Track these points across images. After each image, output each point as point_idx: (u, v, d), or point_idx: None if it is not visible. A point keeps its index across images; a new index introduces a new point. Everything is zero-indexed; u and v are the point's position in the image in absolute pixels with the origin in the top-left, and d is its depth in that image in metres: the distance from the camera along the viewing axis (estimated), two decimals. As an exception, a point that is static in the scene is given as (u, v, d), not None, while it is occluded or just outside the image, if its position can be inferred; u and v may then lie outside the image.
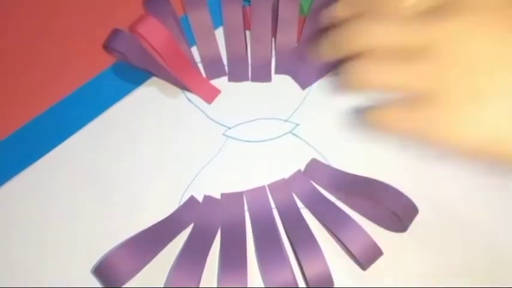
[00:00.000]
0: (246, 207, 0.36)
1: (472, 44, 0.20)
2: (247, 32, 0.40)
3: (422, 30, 0.21)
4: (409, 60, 0.21)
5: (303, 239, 0.33)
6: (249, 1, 0.39)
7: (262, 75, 0.39)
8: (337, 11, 0.24)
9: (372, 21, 0.22)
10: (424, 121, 0.22)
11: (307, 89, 0.39)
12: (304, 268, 0.31)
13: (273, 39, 0.39)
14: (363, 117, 0.24)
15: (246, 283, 0.32)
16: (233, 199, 0.36)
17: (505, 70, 0.20)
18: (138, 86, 0.39)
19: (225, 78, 0.39)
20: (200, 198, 0.36)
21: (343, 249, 0.34)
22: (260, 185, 0.36)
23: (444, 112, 0.21)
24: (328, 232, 0.34)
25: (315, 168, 0.36)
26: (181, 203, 0.36)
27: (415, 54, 0.21)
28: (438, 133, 0.21)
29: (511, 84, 0.20)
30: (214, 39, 0.40)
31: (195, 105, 0.39)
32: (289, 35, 0.39)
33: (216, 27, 0.40)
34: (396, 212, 0.32)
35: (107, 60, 0.40)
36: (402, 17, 0.21)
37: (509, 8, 0.20)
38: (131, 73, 0.39)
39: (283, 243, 0.34)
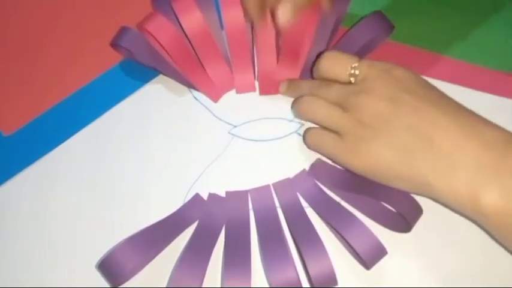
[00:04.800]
0: (250, 206, 0.36)
1: (369, 109, 0.32)
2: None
3: (348, 97, 0.33)
4: (336, 109, 0.33)
5: (307, 238, 0.33)
6: None
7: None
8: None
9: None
10: (337, 150, 0.33)
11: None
12: (308, 267, 0.31)
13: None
14: (305, 133, 0.36)
15: (250, 282, 0.32)
16: (238, 197, 0.36)
17: (382, 128, 0.31)
18: (145, 83, 0.39)
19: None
20: (205, 196, 0.36)
21: (347, 248, 0.34)
22: (265, 184, 0.36)
23: (346, 147, 0.33)
24: (332, 231, 0.34)
25: (319, 168, 0.36)
26: (186, 201, 0.36)
27: (342, 107, 0.33)
28: (342, 159, 0.33)
29: (386, 134, 0.31)
30: (222, 39, 0.40)
31: (202, 104, 0.39)
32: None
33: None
34: (401, 212, 0.32)
35: (115, 58, 0.40)
36: (341, 82, 0.34)
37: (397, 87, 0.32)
38: (138, 71, 0.39)
39: (287, 242, 0.34)
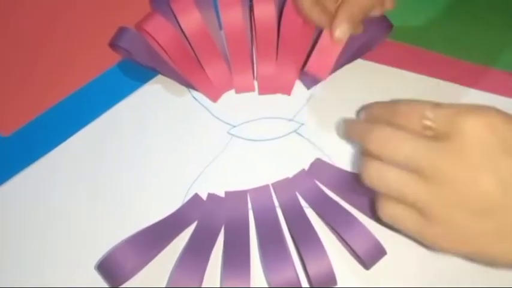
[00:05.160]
0: (249, 206, 0.36)
1: (466, 185, 0.24)
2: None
3: (428, 159, 0.24)
4: (413, 182, 0.25)
5: (306, 238, 0.33)
6: None
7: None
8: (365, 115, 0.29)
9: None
10: (421, 232, 0.26)
11: (312, 89, 0.39)
12: (307, 267, 0.31)
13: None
14: (377, 203, 0.28)
15: (249, 282, 0.32)
16: (237, 197, 0.36)
17: (490, 212, 0.24)
18: (143, 83, 0.39)
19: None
20: (204, 196, 0.36)
21: (346, 248, 0.34)
22: (264, 183, 0.36)
23: (433, 230, 0.25)
24: (332, 231, 0.34)
25: (319, 167, 0.36)
26: (185, 201, 0.36)
27: (417, 172, 0.25)
28: (428, 243, 0.26)
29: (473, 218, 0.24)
30: (221, 39, 0.40)
31: (201, 104, 0.39)
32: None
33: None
34: (400, 211, 0.32)
35: (113, 58, 0.40)
36: (415, 132, 0.25)
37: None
38: (137, 71, 0.39)
39: (286, 243, 0.34)
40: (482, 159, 0.24)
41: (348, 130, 0.30)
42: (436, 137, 0.25)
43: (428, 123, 0.25)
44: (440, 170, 0.24)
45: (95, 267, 0.34)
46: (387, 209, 0.27)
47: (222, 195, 0.36)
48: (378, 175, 0.26)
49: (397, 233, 0.34)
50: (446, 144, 0.24)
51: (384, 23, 0.37)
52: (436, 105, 0.25)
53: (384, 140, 0.26)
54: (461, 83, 0.38)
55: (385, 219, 0.28)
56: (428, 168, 0.24)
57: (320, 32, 0.36)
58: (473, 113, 0.24)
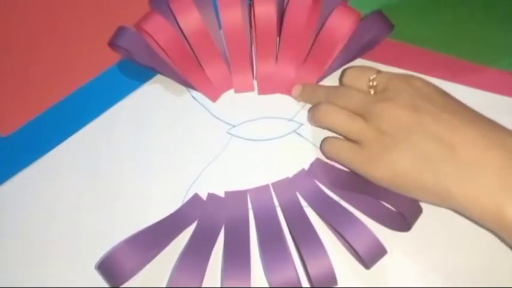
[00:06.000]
0: (249, 206, 0.36)
1: (389, 117, 0.32)
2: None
3: (367, 105, 0.33)
4: (356, 118, 0.33)
5: (306, 238, 0.33)
6: None
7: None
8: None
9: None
10: (356, 159, 0.33)
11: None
12: (308, 267, 0.31)
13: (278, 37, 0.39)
14: (322, 142, 0.36)
15: (249, 282, 0.32)
16: (237, 197, 0.36)
17: (403, 137, 0.31)
18: (143, 83, 0.39)
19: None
20: (204, 196, 0.36)
21: (346, 248, 0.34)
22: (264, 183, 0.36)
23: (366, 156, 0.32)
24: (332, 231, 0.34)
25: (318, 167, 0.36)
26: (185, 201, 0.36)
27: (361, 117, 0.33)
28: (361, 169, 0.33)
29: (403, 145, 0.31)
30: (220, 39, 0.40)
31: (200, 103, 0.39)
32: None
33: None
34: (400, 211, 0.32)
35: (113, 58, 0.40)
36: (363, 91, 0.34)
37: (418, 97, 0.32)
38: (136, 71, 0.39)
39: (286, 242, 0.34)
40: (401, 101, 0.31)
41: (312, 92, 0.37)
42: (375, 92, 0.34)
43: (371, 83, 0.34)
44: (374, 112, 0.32)
45: (95, 267, 0.34)
46: (330, 143, 0.35)
47: (222, 195, 0.36)
48: (328, 114, 0.34)
49: (396, 231, 0.34)
50: (380, 95, 0.33)
51: (385, 23, 0.37)
52: (379, 71, 0.34)
53: (342, 93, 0.35)
54: (462, 83, 0.38)
55: (328, 152, 0.35)
56: (367, 111, 0.33)
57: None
58: (400, 75, 0.34)
